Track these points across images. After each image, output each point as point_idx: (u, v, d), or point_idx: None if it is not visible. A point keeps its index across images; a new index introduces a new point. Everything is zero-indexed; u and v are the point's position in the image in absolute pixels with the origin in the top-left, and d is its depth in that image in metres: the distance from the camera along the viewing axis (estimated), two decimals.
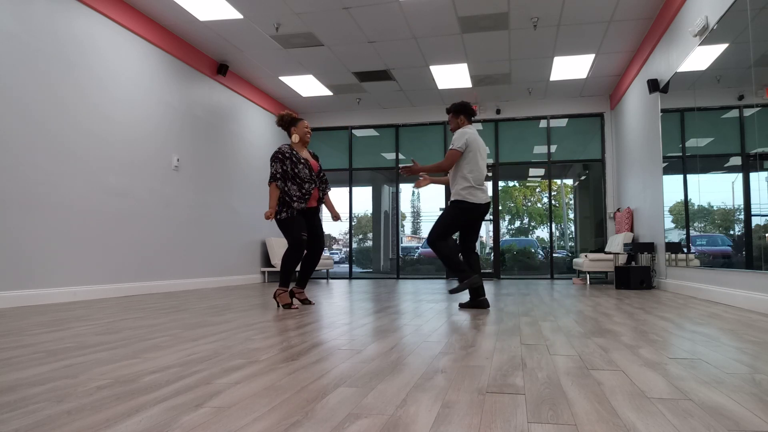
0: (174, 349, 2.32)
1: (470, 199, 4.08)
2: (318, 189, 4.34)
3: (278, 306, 4.35)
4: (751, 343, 2.46)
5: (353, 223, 10.58)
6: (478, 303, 4.12)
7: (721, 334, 2.72)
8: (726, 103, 4.51)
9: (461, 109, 4.25)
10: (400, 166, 4.16)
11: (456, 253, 4.14)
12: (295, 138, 4.26)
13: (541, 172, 13.38)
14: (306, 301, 4.44)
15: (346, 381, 1.70)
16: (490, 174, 9.97)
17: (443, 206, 9.54)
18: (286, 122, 4.33)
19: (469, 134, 4.15)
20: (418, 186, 4.37)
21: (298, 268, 4.44)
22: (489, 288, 6.85)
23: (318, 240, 4.36)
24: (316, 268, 9.05)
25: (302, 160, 4.21)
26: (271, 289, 6.68)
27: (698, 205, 5.14)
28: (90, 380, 1.72)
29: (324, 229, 4.47)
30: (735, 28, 4.23)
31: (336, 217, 4.51)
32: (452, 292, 4.09)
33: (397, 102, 9.57)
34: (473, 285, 4.04)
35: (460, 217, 4.10)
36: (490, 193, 7.56)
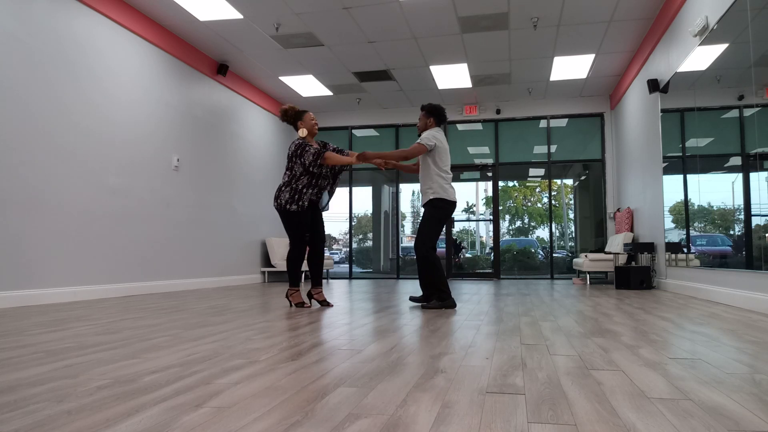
0: (174, 349, 2.32)
1: (448, 196, 4.20)
2: (328, 185, 4.28)
3: (290, 305, 4.35)
4: (751, 343, 2.46)
5: (353, 223, 10.58)
6: (448, 303, 4.18)
7: (721, 334, 2.72)
8: (726, 103, 4.51)
9: (434, 111, 4.32)
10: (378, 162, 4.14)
11: (443, 269, 4.23)
12: (303, 132, 4.17)
13: (541, 172, 13.38)
14: (325, 303, 4.32)
15: (346, 381, 1.70)
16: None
17: None
18: (291, 116, 4.24)
19: (438, 136, 4.27)
20: (384, 167, 4.22)
21: (305, 267, 4.41)
22: (489, 288, 6.86)
23: (318, 235, 4.29)
24: None
25: (322, 171, 4.15)
26: (271, 289, 6.68)
27: (698, 205, 5.14)
28: (90, 380, 1.72)
29: (325, 225, 4.43)
30: (735, 28, 4.23)
31: (349, 159, 4.14)
32: (426, 307, 4.15)
33: (397, 102, 9.57)
34: (447, 308, 4.13)
35: (443, 217, 4.20)
36: (494, 192, 7.49)
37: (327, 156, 4.03)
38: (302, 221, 4.12)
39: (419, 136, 4.32)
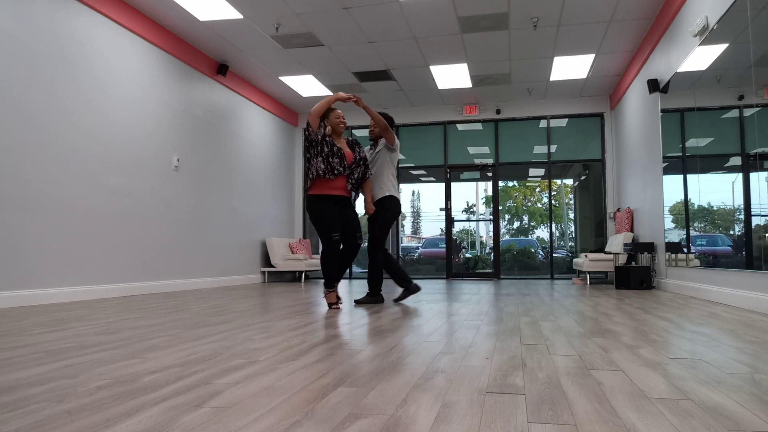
0: (174, 349, 2.32)
1: (397, 196, 4.66)
2: (348, 180, 4.25)
3: (329, 306, 4.33)
4: (751, 343, 2.46)
5: None
6: (376, 299, 4.58)
7: (721, 334, 2.72)
8: (726, 103, 4.51)
9: (392, 122, 4.77)
10: (349, 96, 4.26)
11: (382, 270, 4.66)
12: (328, 130, 4.24)
13: (541, 172, 13.37)
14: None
15: (346, 381, 1.70)
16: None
17: (443, 206, 9.54)
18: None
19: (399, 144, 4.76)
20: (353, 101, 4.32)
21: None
22: (489, 288, 6.86)
23: (349, 236, 4.26)
24: (319, 268, 9.05)
25: (335, 148, 4.15)
26: (271, 289, 6.69)
27: (698, 205, 5.14)
28: (90, 380, 1.72)
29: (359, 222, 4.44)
30: (735, 28, 4.23)
31: (368, 209, 4.48)
32: (358, 303, 4.55)
33: (397, 102, 9.57)
34: (376, 302, 4.58)
35: (392, 217, 4.61)
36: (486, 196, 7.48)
37: (311, 112, 4.13)
38: (326, 218, 4.09)
39: (373, 141, 4.73)
